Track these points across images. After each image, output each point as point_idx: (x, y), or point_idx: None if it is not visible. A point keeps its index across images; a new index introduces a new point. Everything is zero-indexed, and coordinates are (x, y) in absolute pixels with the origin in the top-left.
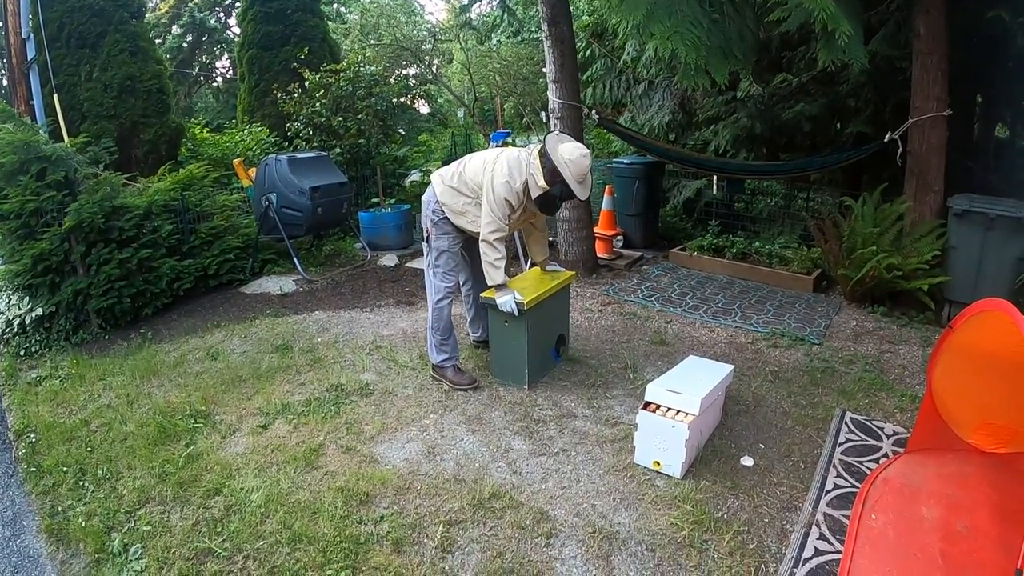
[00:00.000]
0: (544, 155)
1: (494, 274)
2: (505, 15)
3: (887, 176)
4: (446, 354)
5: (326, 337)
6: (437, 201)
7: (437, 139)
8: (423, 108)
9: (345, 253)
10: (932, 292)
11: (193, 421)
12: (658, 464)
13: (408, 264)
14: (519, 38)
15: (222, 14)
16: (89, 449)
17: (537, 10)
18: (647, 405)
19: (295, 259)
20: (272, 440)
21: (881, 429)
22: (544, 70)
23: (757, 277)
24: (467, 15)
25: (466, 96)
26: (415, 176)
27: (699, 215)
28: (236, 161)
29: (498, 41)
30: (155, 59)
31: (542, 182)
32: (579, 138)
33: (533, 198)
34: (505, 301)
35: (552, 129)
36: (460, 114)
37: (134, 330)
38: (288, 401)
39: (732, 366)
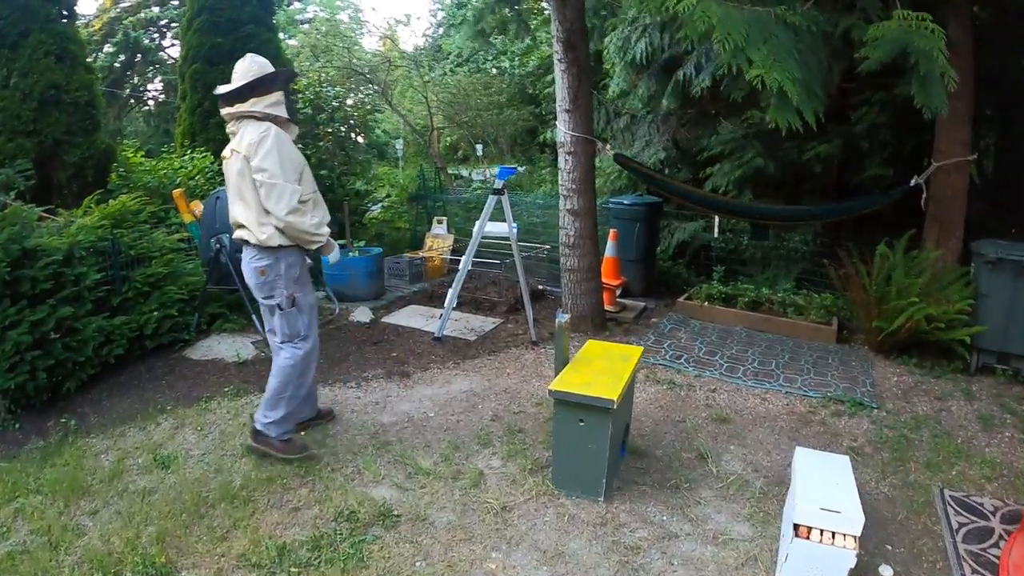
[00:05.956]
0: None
1: (322, 235)
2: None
3: (893, 220)
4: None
5: (310, 428)
6: (277, 248)
7: (392, 173)
8: (359, 139)
9: None
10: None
11: None
12: None
13: (385, 319)
14: (466, 68)
15: (157, 34)
16: None
17: (550, 29)
18: (797, 528)
19: (253, 317)
20: None
21: (982, 505)
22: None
23: (774, 328)
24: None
25: (409, 128)
26: (375, 210)
27: (692, 258)
28: (176, 192)
29: (444, 72)
30: (85, 66)
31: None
32: (590, 176)
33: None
34: (335, 252)
35: (562, 165)
36: (398, 146)
37: (53, 414)
38: (285, 541)
39: (846, 457)
